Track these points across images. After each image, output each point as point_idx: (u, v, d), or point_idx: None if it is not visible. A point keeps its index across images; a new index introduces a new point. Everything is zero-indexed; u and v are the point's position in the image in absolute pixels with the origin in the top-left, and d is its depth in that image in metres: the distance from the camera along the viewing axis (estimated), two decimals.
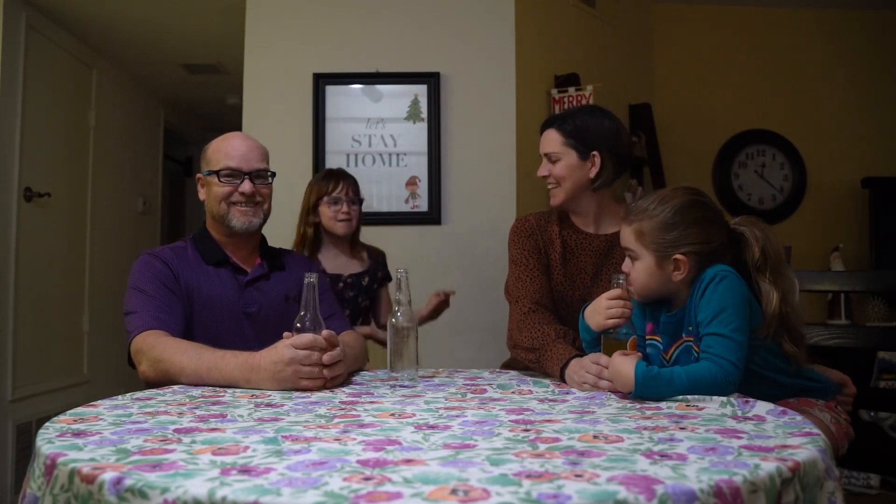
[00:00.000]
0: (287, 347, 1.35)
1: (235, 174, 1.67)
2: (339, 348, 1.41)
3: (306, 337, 1.36)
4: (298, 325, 1.40)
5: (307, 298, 1.41)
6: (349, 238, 2.32)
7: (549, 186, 1.75)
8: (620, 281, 1.39)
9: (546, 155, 1.74)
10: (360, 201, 2.32)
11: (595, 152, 1.70)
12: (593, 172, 1.70)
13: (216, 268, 1.69)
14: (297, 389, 1.35)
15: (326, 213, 2.27)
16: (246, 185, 1.67)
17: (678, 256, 1.35)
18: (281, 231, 2.73)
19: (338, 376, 1.41)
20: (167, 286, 1.60)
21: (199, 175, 1.75)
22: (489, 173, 2.77)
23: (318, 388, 1.37)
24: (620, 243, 1.43)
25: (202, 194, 1.74)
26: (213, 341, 1.54)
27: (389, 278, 2.41)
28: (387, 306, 2.40)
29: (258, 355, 1.38)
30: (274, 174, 1.76)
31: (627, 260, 1.42)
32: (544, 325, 1.59)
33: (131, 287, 1.61)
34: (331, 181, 2.29)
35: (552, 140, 1.73)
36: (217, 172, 1.67)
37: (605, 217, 1.75)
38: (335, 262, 2.30)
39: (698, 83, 3.96)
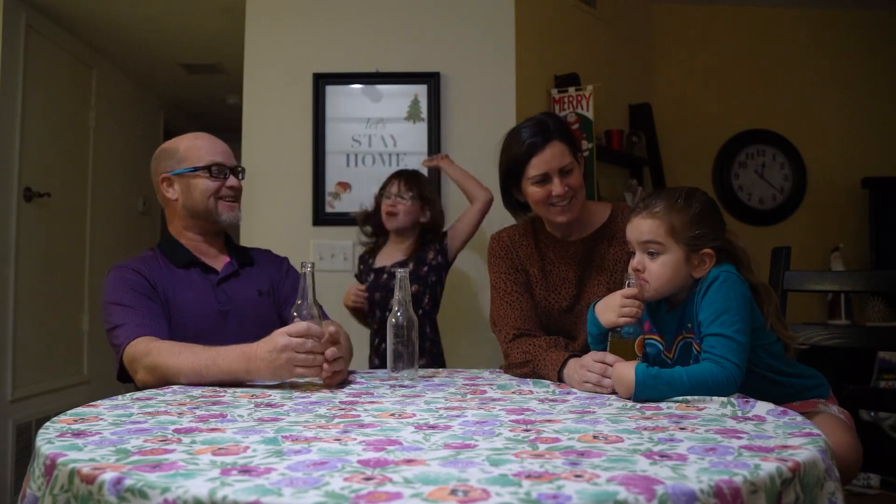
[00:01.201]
0: (281, 335, 1.35)
1: (222, 170, 1.72)
2: (342, 344, 1.42)
3: (301, 325, 1.37)
4: (295, 313, 1.41)
5: (303, 287, 1.41)
6: (402, 232, 2.34)
7: (562, 203, 1.62)
8: (633, 280, 1.38)
9: (560, 170, 1.60)
10: (414, 197, 2.32)
11: (580, 153, 1.66)
12: (582, 171, 1.67)
13: (186, 270, 1.70)
14: (294, 380, 1.36)
15: (382, 205, 2.34)
16: (233, 180, 1.74)
17: (707, 251, 1.35)
18: (281, 230, 2.74)
19: (338, 372, 1.41)
20: (145, 294, 1.60)
21: (166, 175, 1.71)
22: (489, 173, 2.76)
23: (315, 376, 1.37)
24: (638, 239, 1.38)
25: (172, 193, 1.72)
26: (198, 340, 1.55)
27: (434, 245, 2.34)
28: (464, 221, 2.37)
29: (255, 345, 1.39)
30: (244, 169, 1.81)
31: (640, 256, 1.38)
32: (533, 339, 1.57)
33: (108, 303, 1.59)
34: (389, 179, 2.38)
35: (562, 151, 1.60)
36: (206, 168, 1.70)
37: (584, 218, 1.70)
38: (384, 253, 2.37)
39: (698, 83, 3.96)
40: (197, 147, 1.72)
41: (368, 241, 2.43)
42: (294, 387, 1.40)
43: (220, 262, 1.75)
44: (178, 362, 1.43)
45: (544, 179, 1.61)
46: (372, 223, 2.41)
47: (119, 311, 1.56)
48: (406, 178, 2.35)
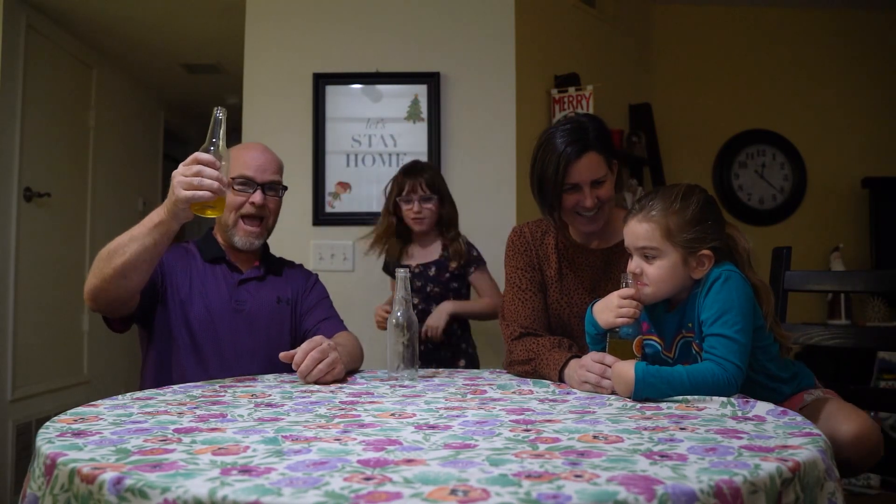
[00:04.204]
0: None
1: (249, 184, 1.70)
2: (324, 346, 1.45)
3: (190, 157, 1.38)
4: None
5: (212, 131, 1.41)
6: (431, 232, 2.34)
7: (588, 213, 1.58)
8: (630, 281, 1.37)
9: (591, 182, 1.56)
10: (434, 197, 2.29)
11: (614, 160, 1.61)
12: (615, 178, 1.62)
13: (212, 265, 1.74)
14: (195, 202, 1.39)
15: (403, 210, 2.31)
16: (257, 196, 1.70)
17: (705, 252, 1.34)
18: (281, 230, 2.73)
19: (332, 371, 1.45)
20: None
21: None
22: (489, 173, 2.77)
23: (207, 199, 1.38)
24: (634, 244, 1.38)
25: None
26: (206, 334, 1.64)
27: (468, 266, 2.32)
28: (482, 290, 2.35)
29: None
30: (286, 188, 1.80)
31: (637, 261, 1.38)
32: (538, 339, 1.57)
33: None
34: (403, 178, 2.30)
35: (597, 163, 1.56)
36: (233, 180, 1.67)
37: (607, 227, 1.66)
38: (413, 251, 2.36)
39: (698, 83, 3.96)
40: (236, 158, 1.68)
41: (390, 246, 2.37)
42: (294, 386, 1.40)
43: (248, 265, 1.78)
44: (109, 246, 1.54)
45: (575, 188, 1.57)
46: (398, 230, 2.34)
47: None
48: (425, 178, 2.29)
